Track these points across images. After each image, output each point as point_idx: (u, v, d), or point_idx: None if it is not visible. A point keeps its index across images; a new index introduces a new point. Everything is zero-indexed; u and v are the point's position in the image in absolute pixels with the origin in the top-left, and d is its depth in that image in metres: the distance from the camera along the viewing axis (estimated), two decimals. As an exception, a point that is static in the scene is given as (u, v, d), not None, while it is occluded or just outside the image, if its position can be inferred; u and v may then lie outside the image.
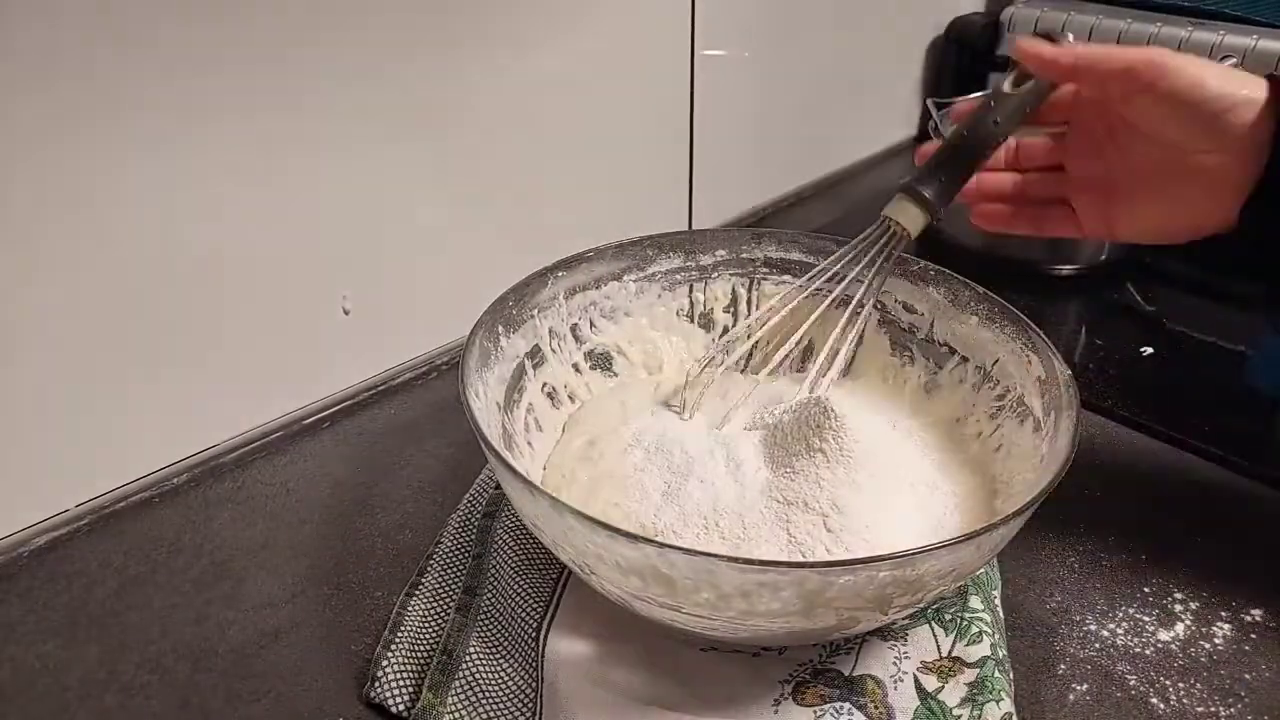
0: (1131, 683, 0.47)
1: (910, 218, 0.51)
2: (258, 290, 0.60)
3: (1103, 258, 0.84)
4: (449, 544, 0.54)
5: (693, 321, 0.62)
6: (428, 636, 0.48)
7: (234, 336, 0.59)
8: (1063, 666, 0.48)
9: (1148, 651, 0.48)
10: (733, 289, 0.62)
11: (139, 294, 0.54)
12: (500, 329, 0.53)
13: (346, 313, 0.65)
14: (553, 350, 0.57)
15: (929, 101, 0.65)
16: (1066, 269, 0.83)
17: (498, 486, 0.56)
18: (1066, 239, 0.81)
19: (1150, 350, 0.74)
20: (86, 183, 0.50)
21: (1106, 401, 0.67)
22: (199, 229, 0.55)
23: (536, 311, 0.56)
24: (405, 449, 0.63)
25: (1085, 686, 0.47)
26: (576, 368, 0.59)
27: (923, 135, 1.11)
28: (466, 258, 0.69)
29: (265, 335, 0.61)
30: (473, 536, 0.54)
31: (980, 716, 0.43)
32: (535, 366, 0.56)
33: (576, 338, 0.59)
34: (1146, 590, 0.52)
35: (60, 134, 0.49)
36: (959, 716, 0.43)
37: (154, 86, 0.51)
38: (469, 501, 0.57)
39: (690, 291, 0.62)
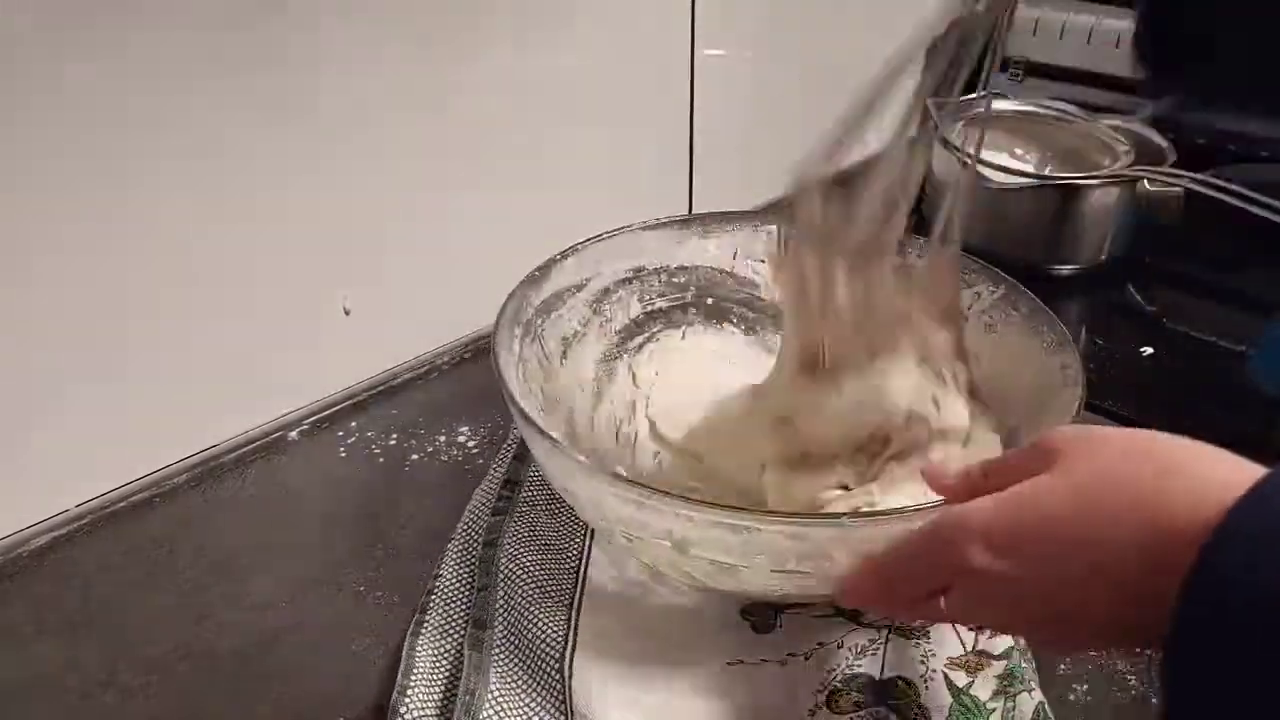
0: (1131, 682, 0.47)
1: None
2: (258, 290, 0.60)
3: (1103, 257, 0.84)
4: (449, 576, 0.51)
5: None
6: (441, 676, 0.45)
7: (234, 336, 0.59)
8: (1063, 666, 0.48)
9: (1148, 651, 0.48)
10: None
11: (139, 294, 0.54)
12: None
13: (347, 313, 0.65)
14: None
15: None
16: (1066, 269, 0.83)
17: (494, 513, 0.54)
18: (1067, 239, 0.82)
19: (1150, 350, 0.74)
20: (85, 182, 0.50)
21: (1106, 401, 0.67)
22: (199, 229, 0.55)
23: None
24: (405, 449, 0.63)
25: (1085, 686, 0.47)
26: None
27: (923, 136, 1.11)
28: (467, 258, 0.69)
29: (266, 335, 0.61)
30: (473, 568, 0.51)
31: (1015, 708, 0.43)
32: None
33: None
34: (1147, 590, 0.52)
35: (59, 135, 0.49)
36: (993, 710, 0.43)
37: (152, 86, 0.51)
38: (464, 530, 0.54)
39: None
